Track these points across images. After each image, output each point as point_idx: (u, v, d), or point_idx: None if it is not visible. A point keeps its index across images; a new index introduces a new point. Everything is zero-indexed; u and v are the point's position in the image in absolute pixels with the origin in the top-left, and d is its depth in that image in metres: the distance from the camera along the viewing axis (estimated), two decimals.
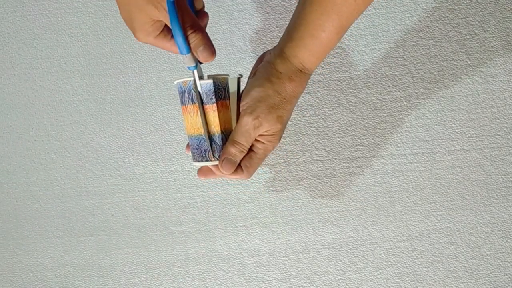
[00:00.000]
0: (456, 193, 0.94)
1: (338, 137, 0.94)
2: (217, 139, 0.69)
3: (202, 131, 0.68)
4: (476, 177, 0.93)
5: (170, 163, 0.96)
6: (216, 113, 0.68)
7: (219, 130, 0.68)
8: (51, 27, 0.98)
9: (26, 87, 0.98)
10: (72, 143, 0.98)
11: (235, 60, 0.95)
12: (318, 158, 0.94)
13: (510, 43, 0.93)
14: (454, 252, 0.94)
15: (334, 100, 0.94)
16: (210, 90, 0.67)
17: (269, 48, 0.94)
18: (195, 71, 0.66)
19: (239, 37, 0.95)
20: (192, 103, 0.68)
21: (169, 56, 0.96)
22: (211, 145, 0.69)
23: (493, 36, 0.93)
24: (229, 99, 0.69)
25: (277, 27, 0.95)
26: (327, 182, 0.94)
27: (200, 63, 0.66)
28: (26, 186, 0.98)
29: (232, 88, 0.70)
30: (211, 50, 0.63)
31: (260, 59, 0.72)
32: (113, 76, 0.97)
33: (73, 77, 0.98)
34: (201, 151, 0.70)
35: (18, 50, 0.98)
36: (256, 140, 0.69)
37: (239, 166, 0.70)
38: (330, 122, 0.94)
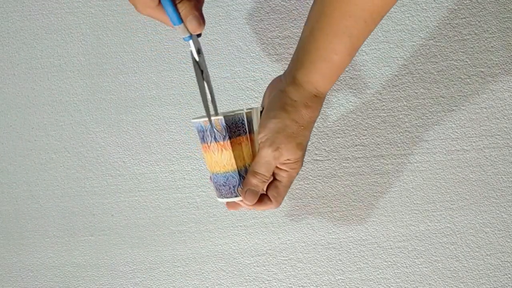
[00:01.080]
0: (456, 193, 0.93)
1: (338, 137, 0.94)
2: (241, 174, 0.68)
3: (229, 168, 0.68)
4: (476, 177, 0.93)
5: (170, 163, 0.96)
6: (238, 148, 0.67)
7: (248, 163, 0.68)
8: (51, 27, 0.98)
9: (26, 87, 0.98)
10: (72, 143, 0.98)
11: (235, 60, 0.95)
12: (318, 158, 0.94)
13: (510, 43, 0.93)
14: (454, 252, 0.94)
15: (334, 100, 0.94)
16: (222, 127, 0.67)
17: (269, 49, 0.94)
18: (191, 42, 0.64)
19: (239, 37, 0.95)
20: (209, 142, 0.67)
21: (169, 56, 0.96)
22: (240, 180, 0.68)
23: (493, 36, 0.93)
24: (249, 133, 0.68)
25: (277, 27, 0.95)
26: (327, 182, 0.94)
27: (192, 34, 0.64)
28: (26, 186, 0.98)
29: (254, 120, 0.69)
30: (199, 20, 0.61)
31: (271, 87, 0.70)
32: (113, 76, 0.97)
33: (73, 77, 0.98)
34: (229, 187, 0.69)
35: (18, 50, 0.98)
36: (279, 168, 0.68)
37: (267, 197, 0.69)
38: (330, 122, 0.94)
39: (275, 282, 0.95)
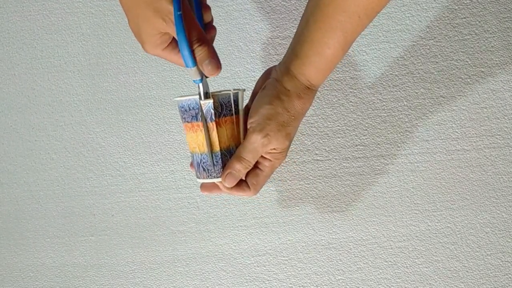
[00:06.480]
0: (456, 193, 0.93)
1: (338, 137, 0.94)
2: (224, 155, 0.68)
3: (213, 148, 0.68)
4: (477, 177, 0.93)
5: (170, 163, 0.96)
6: (223, 129, 0.67)
7: (232, 145, 0.68)
8: (52, 27, 0.98)
9: (26, 87, 0.98)
10: (73, 143, 0.98)
11: (235, 60, 0.95)
12: (318, 158, 0.94)
13: (510, 43, 0.93)
14: (455, 252, 0.93)
15: (334, 100, 0.94)
16: (209, 107, 0.67)
17: (269, 49, 0.95)
18: (201, 85, 0.66)
19: (239, 37, 0.95)
20: (197, 121, 0.67)
21: None
22: (222, 161, 0.68)
23: (494, 36, 0.93)
24: (234, 115, 0.68)
25: (277, 27, 0.95)
26: (327, 182, 0.94)
27: (206, 77, 0.65)
28: (27, 186, 0.98)
29: (240, 102, 0.69)
30: (217, 64, 0.63)
31: (266, 76, 0.71)
32: (114, 76, 0.97)
33: (73, 77, 0.98)
34: (207, 168, 0.69)
35: (19, 50, 0.98)
36: (262, 157, 0.69)
37: (245, 184, 0.69)
38: (330, 122, 0.94)
39: (276, 282, 0.95)
